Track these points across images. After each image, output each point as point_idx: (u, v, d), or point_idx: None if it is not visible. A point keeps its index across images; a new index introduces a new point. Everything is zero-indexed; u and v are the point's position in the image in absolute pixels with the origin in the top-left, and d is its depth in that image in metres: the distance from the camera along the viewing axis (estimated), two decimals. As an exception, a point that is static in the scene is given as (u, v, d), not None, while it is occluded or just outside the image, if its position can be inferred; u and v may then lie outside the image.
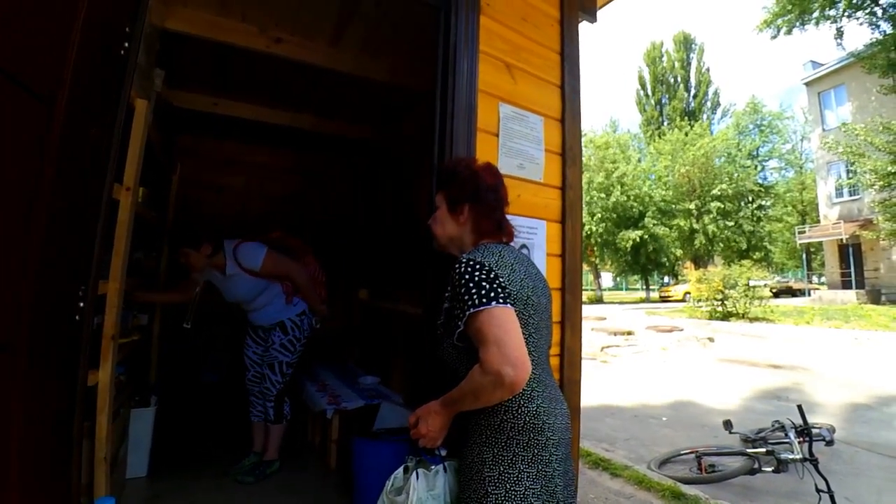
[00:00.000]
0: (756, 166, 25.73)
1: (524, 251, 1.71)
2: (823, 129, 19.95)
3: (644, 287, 28.65)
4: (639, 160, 27.30)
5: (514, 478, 0.98)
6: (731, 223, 23.48)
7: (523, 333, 0.99)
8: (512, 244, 1.24)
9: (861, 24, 14.09)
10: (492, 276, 1.01)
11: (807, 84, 21.04)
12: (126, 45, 1.16)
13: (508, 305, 0.99)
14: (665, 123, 32.59)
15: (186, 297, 2.63)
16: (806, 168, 29.31)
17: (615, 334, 10.49)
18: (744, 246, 23.56)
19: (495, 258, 1.07)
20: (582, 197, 2.06)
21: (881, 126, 13.71)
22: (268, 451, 2.62)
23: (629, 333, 10.58)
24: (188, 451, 2.87)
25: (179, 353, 3.68)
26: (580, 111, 2.04)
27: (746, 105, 27.40)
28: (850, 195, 19.00)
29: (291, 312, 2.68)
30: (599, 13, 2.40)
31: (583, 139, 2.22)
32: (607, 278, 40.90)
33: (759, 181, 25.70)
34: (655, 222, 23.52)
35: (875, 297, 16.73)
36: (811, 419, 2.89)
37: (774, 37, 15.73)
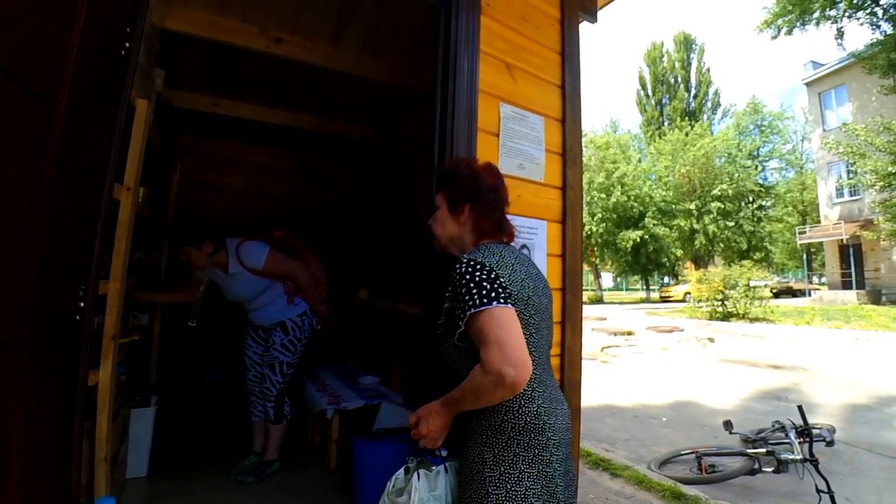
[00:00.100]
0: (756, 166, 25.72)
1: (525, 251, 1.71)
2: (824, 130, 19.95)
3: (644, 287, 28.63)
4: (639, 160, 27.28)
5: (514, 478, 0.98)
6: (732, 223, 23.47)
7: (524, 333, 0.99)
8: (512, 244, 1.24)
9: (861, 24, 14.10)
10: (493, 276, 1.01)
11: (807, 84, 21.04)
12: (127, 45, 1.16)
13: (509, 305, 0.99)
14: (665, 123, 32.58)
15: (191, 296, 2.63)
16: (806, 168, 29.34)
17: (615, 334, 10.49)
18: (744, 246, 23.54)
19: (496, 258, 1.07)
20: (582, 197, 2.06)
21: (882, 126, 13.72)
22: (268, 451, 2.62)
23: (629, 334, 10.58)
24: (188, 451, 2.87)
25: (180, 352, 3.68)
26: (580, 111, 2.04)
27: (747, 105, 27.41)
28: (851, 195, 18.99)
29: (292, 313, 2.68)
30: (600, 13, 2.40)
31: (583, 139, 2.22)
32: (608, 278, 40.90)
33: (760, 181, 25.69)
34: (656, 222, 23.51)
35: (875, 298, 16.72)
36: (811, 420, 2.88)
37: (775, 37, 15.74)
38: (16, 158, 0.71)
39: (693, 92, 33.52)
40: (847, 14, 13.96)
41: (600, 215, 23.34)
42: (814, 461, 2.45)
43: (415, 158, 3.39)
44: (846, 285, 18.69)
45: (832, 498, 2.24)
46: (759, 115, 26.88)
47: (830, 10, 14.07)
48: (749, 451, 3.05)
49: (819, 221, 21.26)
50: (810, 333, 10.61)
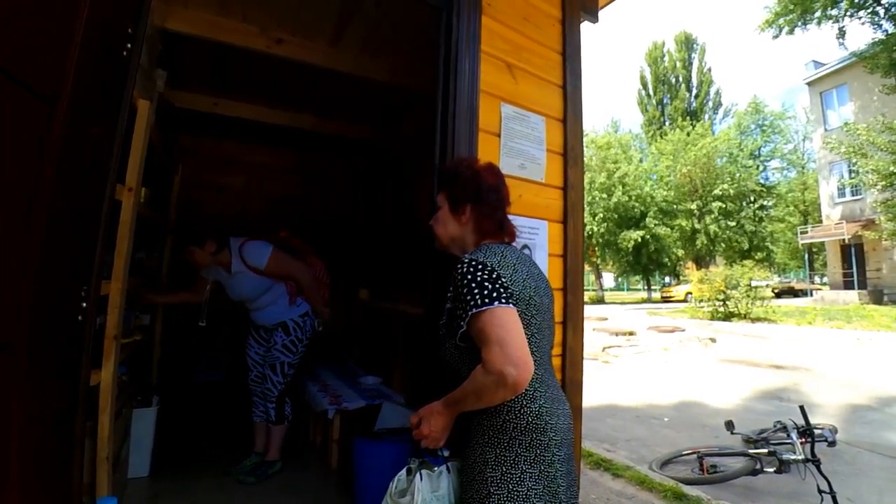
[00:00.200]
0: (758, 166, 25.66)
1: (526, 251, 1.71)
2: (825, 129, 19.92)
3: (646, 287, 28.63)
4: (640, 160, 27.26)
5: (516, 478, 0.98)
6: (733, 223, 23.44)
7: (525, 334, 0.99)
8: (514, 244, 1.24)
9: (863, 23, 14.08)
10: (494, 276, 1.01)
11: (809, 84, 21.02)
12: (129, 45, 1.16)
13: (511, 306, 0.98)
14: (667, 123, 32.54)
15: (198, 296, 2.64)
16: (808, 168, 29.29)
17: (617, 334, 10.47)
18: (746, 246, 23.52)
19: (497, 258, 1.07)
20: (583, 197, 2.06)
21: (883, 126, 13.70)
22: (269, 451, 2.62)
23: (631, 334, 10.56)
24: (190, 451, 2.87)
25: (176, 353, 3.67)
26: (582, 111, 2.04)
27: (748, 105, 27.37)
28: (853, 195, 18.96)
29: (294, 313, 2.68)
30: (601, 13, 2.40)
31: (584, 139, 2.22)
32: (609, 279, 40.86)
33: (761, 181, 25.65)
34: (657, 222, 23.49)
35: (877, 298, 16.68)
36: (813, 420, 2.87)
37: (776, 36, 15.73)
38: (16, 158, 0.70)
39: (694, 91, 33.50)
40: (848, 13, 13.96)
41: (601, 215, 23.33)
42: (816, 461, 2.45)
43: (415, 158, 3.39)
44: (848, 285, 18.65)
45: (834, 498, 2.23)
46: (760, 115, 26.83)
47: (832, 9, 14.06)
48: (751, 451, 3.04)
49: (821, 221, 21.22)
50: (812, 333, 10.59)
